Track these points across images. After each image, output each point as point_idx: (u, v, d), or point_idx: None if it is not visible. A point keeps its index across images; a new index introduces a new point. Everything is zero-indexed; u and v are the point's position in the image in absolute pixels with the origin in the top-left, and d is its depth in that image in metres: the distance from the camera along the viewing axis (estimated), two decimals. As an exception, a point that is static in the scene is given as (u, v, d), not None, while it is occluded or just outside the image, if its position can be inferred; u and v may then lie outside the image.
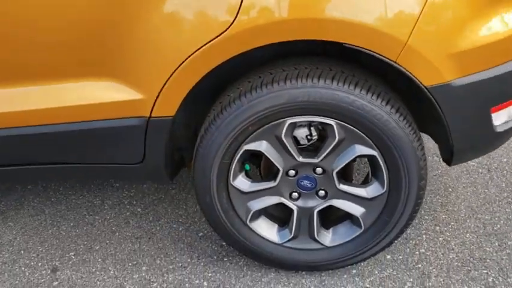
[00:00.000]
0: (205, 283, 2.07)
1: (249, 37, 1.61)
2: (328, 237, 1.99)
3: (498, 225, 2.27)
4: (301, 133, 1.82)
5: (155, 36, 1.64)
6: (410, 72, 1.63)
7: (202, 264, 2.16)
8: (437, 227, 2.28)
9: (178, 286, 2.06)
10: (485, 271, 2.04)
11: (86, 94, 1.75)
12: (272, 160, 1.83)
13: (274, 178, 1.89)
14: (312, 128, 1.82)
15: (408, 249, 2.17)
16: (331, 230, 2.00)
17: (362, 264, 2.09)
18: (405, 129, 1.72)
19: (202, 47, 1.61)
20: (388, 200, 1.87)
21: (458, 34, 1.62)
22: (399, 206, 1.86)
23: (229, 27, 1.59)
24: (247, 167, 1.93)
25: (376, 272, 2.06)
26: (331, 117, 1.72)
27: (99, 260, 2.23)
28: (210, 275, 2.10)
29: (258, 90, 1.71)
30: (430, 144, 2.83)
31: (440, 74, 1.63)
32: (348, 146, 1.79)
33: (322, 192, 1.91)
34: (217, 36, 1.60)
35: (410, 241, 2.21)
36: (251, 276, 2.08)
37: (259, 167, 2.03)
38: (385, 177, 1.82)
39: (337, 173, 1.85)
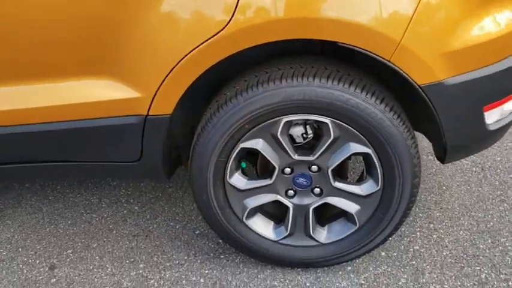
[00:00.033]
0: (202, 280, 2.09)
1: (245, 36, 1.63)
2: (323, 234, 2.02)
3: (491, 223, 2.30)
4: (297, 131, 1.85)
5: (153, 35, 1.66)
6: (403, 71, 1.66)
7: (199, 261, 2.18)
8: (431, 225, 2.31)
9: (175, 283, 2.08)
10: (478, 268, 2.07)
11: (84, 92, 1.77)
12: (268, 158, 1.85)
13: (270, 176, 1.91)
14: (308, 127, 1.85)
15: (402, 246, 2.19)
16: (326, 227, 2.03)
17: (357, 261, 2.12)
18: (399, 127, 1.75)
19: (199, 46, 1.63)
20: (382, 198, 1.89)
21: (451, 34, 1.65)
22: (393, 203, 1.88)
23: (225, 26, 1.61)
24: (243, 164, 1.95)
25: (371, 269, 2.09)
26: (326, 116, 1.74)
27: (97, 257, 2.24)
28: (206, 272, 2.13)
29: (254, 89, 1.73)
30: (424, 143, 2.86)
31: (433, 72, 1.66)
32: (342, 144, 1.81)
33: (317, 190, 1.94)
34: (214, 36, 1.63)
35: (405, 238, 2.23)
36: (247, 273, 2.10)
37: (255, 165, 2.06)
38: (379, 175, 1.84)
39: (332, 170, 1.87)
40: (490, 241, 2.20)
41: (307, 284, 2.03)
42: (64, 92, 1.78)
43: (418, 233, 2.26)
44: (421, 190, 2.52)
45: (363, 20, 1.60)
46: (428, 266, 2.09)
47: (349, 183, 1.94)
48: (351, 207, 1.93)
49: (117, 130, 1.81)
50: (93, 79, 1.76)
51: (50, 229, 2.43)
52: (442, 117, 1.75)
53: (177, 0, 1.64)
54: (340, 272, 2.08)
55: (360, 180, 2.03)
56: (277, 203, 1.97)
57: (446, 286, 1.99)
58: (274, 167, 1.88)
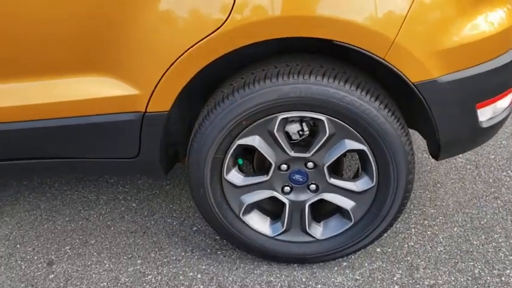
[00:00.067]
0: (199, 275, 2.11)
1: (242, 34, 1.66)
2: (319, 230, 2.04)
3: (485, 220, 2.33)
4: (293, 128, 1.87)
5: (151, 33, 1.68)
6: (398, 69, 1.68)
7: (196, 257, 2.21)
8: (426, 221, 2.34)
9: (173, 278, 2.10)
10: (471, 263, 2.10)
11: (82, 90, 1.79)
12: (265, 154, 1.87)
13: (266, 172, 1.94)
14: (304, 124, 1.87)
15: (397, 243, 2.22)
16: (322, 223, 2.05)
17: (352, 256, 2.15)
18: (393, 124, 1.77)
19: (197, 43, 1.66)
20: (377, 194, 1.92)
21: (445, 32, 1.68)
22: (388, 199, 1.91)
23: (222, 24, 1.64)
24: (240, 161, 1.98)
25: (366, 265, 2.12)
26: (321, 113, 1.77)
27: (95, 253, 2.27)
28: (203, 267, 2.15)
29: (251, 86, 1.75)
30: (420, 141, 2.89)
31: (427, 70, 1.68)
32: (338, 141, 1.84)
33: (313, 186, 1.96)
34: (212, 33, 1.65)
35: (400, 234, 2.26)
36: (244, 269, 2.13)
37: (252, 162, 2.08)
38: (374, 171, 1.87)
39: (327, 167, 1.89)
40: (483, 237, 2.23)
41: (303, 280, 2.06)
42: (63, 89, 1.80)
43: (412, 230, 2.29)
44: (416, 187, 2.55)
45: (358, 19, 1.63)
46: (422, 262, 2.12)
47: (344, 179, 1.96)
48: (346, 203, 1.96)
49: (115, 127, 1.83)
50: (91, 76, 1.78)
51: (48, 226, 2.45)
52: (435, 114, 1.78)
53: None
54: (336, 268, 2.10)
55: (355, 177, 2.05)
56: (273, 199, 2.00)
57: (440, 281, 2.02)
58: (270, 164, 1.90)
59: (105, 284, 2.10)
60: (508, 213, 2.36)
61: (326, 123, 1.79)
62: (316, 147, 1.85)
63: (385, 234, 2.24)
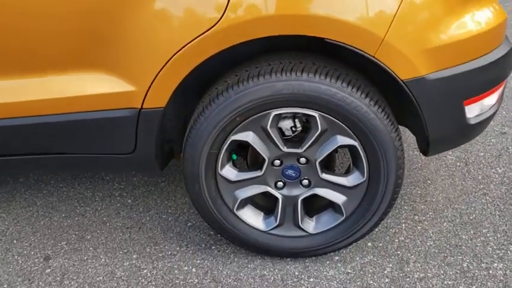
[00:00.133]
0: (193, 269, 2.15)
1: (236, 32, 1.70)
2: (311, 225, 2.08)
3: (474, 215, 2.38)
4: (286, 124, 1.92)
5: (148, 30, 1.72)
6: (387, 67, 1.73)
7: (190, 252, 2.25)
8: (416, 217, 2.39)
9: (168, 272, 2.14)
10: (460, 257, 2.15)
11: (79, 86, 1.83)
12: (258, 150, 1.92)
13: (260, 168, 1.98)
14: (296, 120, 1.92)
15: (388, 237, 2.27)
16: (314, 217, 2.10)
17: (344, 251, 2.19)
18: (383, 120, 1.82)
19: (192, 41, 1.70)
20: (368, 188, 1.97)
21: (433, 31, 1.73)
22: (378, 194, 1.95)
23: (217, 22, 1.68)
24: (234, 156, 2.02)
25: (358, 259, 2.16)
26: (314, 109, 1.81)
27: (91, 248, 2.30)
28: (198, 262, 2.19)
29: (245, 83, 1.80)
30: (411, 139, 2.94)
31: (415, 68, 1.73)
32: (330, 137, 1.88)
33: (305, 181, 2.01)
34: (206, 31, 1.69)
35: (390, 229, 2.31)
36: (238, 263, 2.17)
37: (245, 158, 2.12)
38: (365, 167, 1.92)
39: (319, 162, 1.94)
40: (472, 232, 2.28)
41: (296, 273, 2.10)
42: (60, 86, 1.84)
43: (403, 225, 2.34)
44: (407, 184, 2.60)
45: (349, 17, 1.67)
46: (412, 256, 2.16)
47: (336, 174, 2.01)
48: (338, 198, 2.00)
49: (112, 123, 1.87)
50: (89, 73, 1.82)
51: (44, 222, 2.48)
52: (424, 111, 1.83)
53: None
54: (328, 262, 2.15)
55: (347, 173, 2.10)
56: (266, 194, 2.04)
57: (429, 274, 2.07)
58: (264, 159, 1.95)
59: (101, 278, 2.13)
60: (496, 208, 2.41)
61: (318, 120, 1.83)
62: (309, 143, 1.89)
63: (376, 229, 2.29)
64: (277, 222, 2.07)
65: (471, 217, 2.37)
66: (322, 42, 1.75)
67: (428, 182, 2.63)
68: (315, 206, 2.11)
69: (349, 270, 2.11)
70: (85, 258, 2.24)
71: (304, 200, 2.04)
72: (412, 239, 2.25)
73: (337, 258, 2.17)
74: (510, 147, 2.87)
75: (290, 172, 1.99)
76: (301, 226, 2.06)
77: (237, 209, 2.04)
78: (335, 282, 2.05)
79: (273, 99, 1.79)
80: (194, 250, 2.25)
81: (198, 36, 1.70)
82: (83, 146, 1.96)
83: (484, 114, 1.99)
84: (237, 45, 1.74)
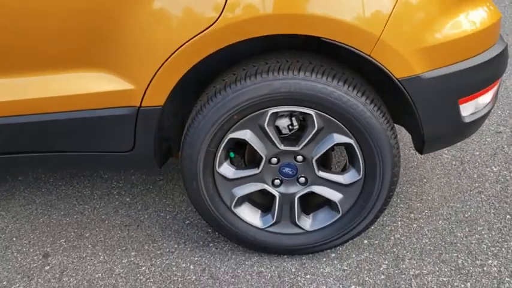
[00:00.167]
0: (191, 266, 2.17)
1: (233, 32, 1.72)
2: (308, 222, 2.11)
3: (469, 213, 2.41)
4: (283, 123, 1.94)
5: (147, 29, 1.74)
6: (383, 65, 1.76)
7: (188, 249, 2.27)
8: (412, 215, 2.41)
9: (166, 269, 2.16)
10: (455, 254, 2.17)
11: (79, 84, 1.85)
12: (256, 148, 1.94)
13: (257, 165, 2.00)
14: (293, 118, 1.94)
15: (384, 235, 2.29)
16: (311, 215, 2.12)
17: (340, 248, 2.21)
18: (379, 118, 1.84)
19: (190, 40, 1.72)
20: (364, 186, 1.99)
21: (428, 30, 1.75)
22: (374, 191, 1.98)
23: (215, 22, 1.70)
24: (232, 154, 2.04)
25: (354, 256, 2.18)
26: (310, 107, 1.84)
27: (89, 246, 2.32)
28: (196, 259, 2.21)
29: (242, 82, 1.82)
30: (407, 138, 2.96)
31: (411, 67, 1.76)
32: (326, 135, 1.90)
33: (302, 179, 2.03)
34: (204, 31, 1.71)
35: (386, 227, 2.33)
36: (235, 260, 2.19)
37: (243, 157, 2.14)
38: (361, 164, 1.94)
39: (316, 160, 1.96)
40: (467, 230, 2.31)
41: (293, 270, 2.12)
42: (60, 84, 1.86)
43: (399, 222, 2.36)
44: (403, 182, 2.62)
45: (345, 17, 1.70)
46: (408, 253, 2.19)
47: (332, 172, 2.03)
48: (335, 195, 2.03)
49: (111, 121, 1.89)
50: (88, 72, 1.84)
51: (43, 219, 2.50)
52: (419, 109, 1.85)
53: None
54: (324, 259, 2.17)
55: (343, 171, 2.12)
56: (264, 192, 2.06)
57: (425, 271, 2.09)
58: (261, 157, 1.97)
59: (99, 275, 2.15)
60: (491, 206, 2.43)
61: (315, 118, 1.85)
62: (305, 141, 1.91)
63: (372, 227, 2.32)
64: (274, 220, 2.09)
65: (466, 215, 2.40)
66: (319, 42, 1.78)
67: (424, 180, 2.65)
68: (311, 203, 2.14)
69: (346, 267, 2.13)
70: (84, 255, 2.26)
71: (301, 198, 2.06)
72: (408, 237, 2.28)
73: (333, 255, 2.19)
74: (505, 146, 2.90)
75: (287, 170, 2.01)
76: (298, 223, 2.09)
77: (235, 206, 2.06)
78: (331, 278, 2.08)
79: (270, 98, 1.81)
80: (192, 247, 2.27)
81: (196, 35, 1.72)
82: (83, 144, 1.98)
83: (479, 112, 2.01)
84: (235, 45, 1.77)
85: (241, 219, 2.09)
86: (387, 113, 1.91)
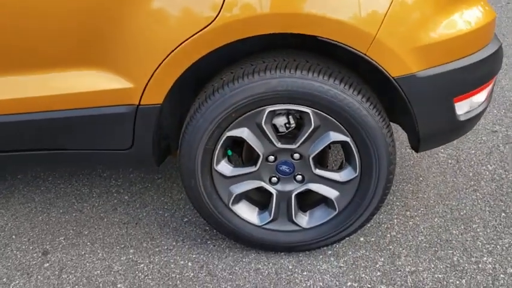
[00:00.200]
0: (189, 263, 2.19)
1: (231, 31, 1.74)
2: (305, 220, 2.13)
3: (464, 211, 2.43)
4: (280, 121, 1.96)
5: (146, 28, 1.76)
6: (378, 64, 1.78)
7: (187, 246, 2.29)
8: (408, 212, 2.43)
9: (164, 266, 2.18)
10: (450, 251, 2.20)
11: (79, 83, 1.87)
12: (253, 146, 1.96)
13: (254, 163, 2.02)
14: (290, 117, 1.96)
15: (380, 232, 2.31)
16: (308, 212, 2.14)
17: (337, 245, 2.24)
18: (375, 117, 1.86)
19: (188, 39, 1.74)
20: (360, 184, 2.01)
21: (423, 29, 1.77)
22: (370, 189, 2.00)
23: (213, 21, 1.72)
24: (229, 152, 2.06)
25: (350, 253, 2.21)
26: (307, 106, 1.86)
27: (88, 243, 2.34)
28: (194, 256, 2.23)
29: (240, 80, 1.84)
30: (403, 137, 2.99)
31: (406, 65, 1.78)
32: (323, 133, 1.93)
33: (299, 177, 2.05)
34: (202, 30, 1.73)
35: (382, 225, 2.36)
36: (233, 257, 2.21)
37: (240, 154, 2.16)
38: (357, 162, 1.96)
39: (313, 158, 1.98)
40: (462, 227, 2.33)
41: (290, 267, 2.15)
42: (60, 83, 1.88)
43: (395, 220, 2.39)
44: (399, 180, 2.65)
45: (341, 16, 1.72)
46: (404, 250, 2.21)
47: (329, 170, 2.05)
48: (331, 193, 2.05)
49: (110, 119, 1.91)
50: (87, 70, 1.86)
51: (42, 217, 2.52)
52: (415, 108, 1.88)
53: None
54: (321, 256, 2.19)
55: (339, 168, 2.14)
56: (261, 189, 2.08)
57: (420, 268, 2.11)
58: (258, 155, 1.99)
59: (98, 272, 2.17)
60: (486, 204, 2.46)
61: (311, 116, 1.88)
62: (302, 139, 1.94)
63: (369, 225, 2.34)
64: (272, 217, 2.11)
65: (462, 213, 2.42)
66: (316, 41, 1.80)
67: (420, 179, 2.67)
68: (308, 201, 2.16)
69: (342, 264, 2.15)
70: (83, 253, 2.28)
71: (298, 195, 2.08)
72: (404, 234, 2.30)
73: (330, 252, 2.21)
74: (501, 145, 2.92)
75: (284, 168, 2.03)
76: (295, 221, 2.11)
77: (232, 203, 2.08)
78: (328, 275, 2.10)
79: (268, 96, 1.83)
80: (190, 245, 2.29)
81: (194, 34, 1.74)
82: (82, 141, 2.00)
83: (474, 111, 2.03)
84: (233, 44, 1.79)
85: (238, 216, 2.11)
86: (383, 111, 1.93)
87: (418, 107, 1.88)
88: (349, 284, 2.06)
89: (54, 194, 2.69)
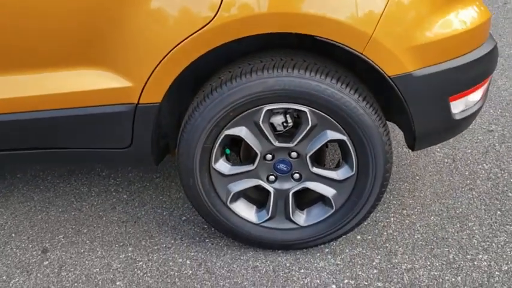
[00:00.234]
0: (188, 261, 2.21)
1: (229, 30, 1.76)
2: (302, 218, 2.15)
3: (460, 209, 2.45)
4: (278, 120, 1.98)
5: (145, 28, 1.78)
6: (375, 63, 1.80)
7: (185, 244, 2.30)
8: (404, 211, 2.45)
9: (163, 264, 2.20)
10: (446, 249, 2.22)
11: (78, 82, 1.88)
12: (251, 145, 1.98)
13: (252, 162, 2.04)
14: (288, 116, 1.98)
15: (377, 230, 2.33)
16: (305, 210, 2.16)
17: (334, 243, 2.26)
18: (372, 115, 1.88)
19: (186, 38, 1.76)
20: (356, 182, 2.03)
21: (419, 29, 1.80)
22: (367, 187, 2.02)
23: (211, 21, 1.74)
24: (227, 151, 2.08)
25: (347, 251, 2.23)
26: (304, 105, 1.88)
27: (87, 242, 2.35)
28: (192, 254, 2.25)
29: (238, 79, 1.86)
30: (400, 136, 3.01)
31: (402, 64, 1.80)
32: (320, 132, 1.95)
33: (297, 175, 2.07)
34: (200, 29, 1.75)
35: (379, 223, 2.38)
36: (231, 255, 2.23)
37: (238, 153, 2.18)
38: (354, 160, 1.98)
39: (310, 156, 2.00)
40: (458, 225, 2.35)
41: (287, 265, 2.17)
42: (59, 82, 1.90)
43: (391, 218, 2.41)
44: (396, 179, 2.67)
45: (338, 16, 1.74)
46: (400, 248, 2.23)
47: (326, 168, 2.07)
48: (328, 191, 2.07)
49: (109, 118, 1.93)
50: (86, 69, 1.88)
51: (41, 216, 2.54)
52: (410, 106, 1.90)
53: None
54: (318, 254, 2.21)
55: (336, 167, 2.16)
56: (259, 188, 2.10)
57: (416, 265, 2.13)
58: (256, 154, 2.01)
59: (97, 269, 2.19)
60: (482, 203, 2.48)
61: (309, 115, 1.90)
62: (300, 138, 1.96)
63: (366, 223, 2.36)
64: (269, 215, 2.13)
65: (458, 211, 2.44)
66: (314, 40, 1.82)
67: (417, 177, 2.70)
68: (305, 199, 2.18)
69: (339, 262, 2.17)
70: (82, 251, 2.30)
71: (296, 194, 2.10)
72: (400, 232, 2.32)
73: (327, 250, 2.23)
74: (497, 144, 2.94)
75: (282, 166, 2.05)
76: (293, 219, 2.13)
77: (230, 202, 2.10)
78: (325, 273, 2.12)
79: (265, 95, 1.85)
80: (188, 243, 2.31)
81: (193, 34, 1.76)
82: (81, 140, 2.02)
83: (469, 110, 2.06)
84: (231, 43, 1.81)
85: (236, 214, 2.13)
86: (379, 110, 1.95)
87: (413, 106, 1.90)
88: (346, 281, 2.08)
89: (53, 193, 2.71)
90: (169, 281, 2.11)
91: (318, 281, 2.08)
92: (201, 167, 2.01)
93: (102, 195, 2.68)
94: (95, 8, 1.77)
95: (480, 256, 2.17)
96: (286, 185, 2.09)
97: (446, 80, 1.89)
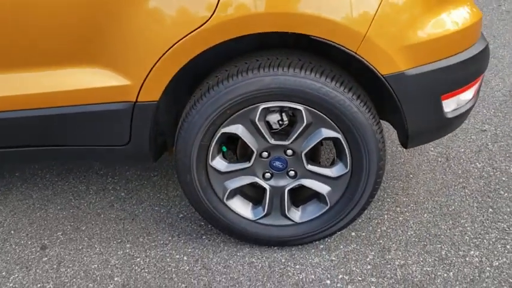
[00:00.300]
0: (185, 257, 2.24)
1: (225, 29, 1.80)
2: (297, 214, 2.18)
3: (453, 207, 2.50)
4: (274, 118, 2.02)
5: (143, 26, 1.81)
6: (368, 62, 1.84)
7: (182, 241, 2.34)
8: (398, 208, 2.49)
9: (160, 260, 2.23)
10: (439, 245, 2.26)
11: (77, 80, 1.92)
12: (247, 142, 2.01)
13: (248, 159, 2.08)
14: (283, 114, 2.02)
15: (371, 227, 2.37)
16: (300, 207, 2.20)
17: (329, 240, 2.29)
18: (365, 114, 1.92)
19: (184, 37, 1.80)
20: (351, 179, 2.07)
21: (411, 28, 1.84)
22: (361, 184, 2.06)
23: (207, 20, 1.78)
24: (224, 148, 2.12)
25: (342, 247, 2.26)
26: (299, 103, 1.92)
27: (86, 238, 2.39)
28: (189, 250, 2.28)
29: (234, 78, 1.90)
30: (394, 135, 3.05)
31: (395, 63, 1.84)
32: (315, 130, 1.98)
33: (292, 173, 2.11)
34: (197, 29, 1.79)
35: (373, 220, 2.42)
36: (227, 251, 2.26)
37: (235, 151, 2.22)
38: (348, 158, 2.02)
39: (305, 154, 2.04)
40: (451, 222, 2.39)
41: (283, 261, 2.20)
42: (57, 79, 1.93)
43: (385, 216, 2.45)
44: (390, 178, 2.71)
45: (333, 16, 1.78)
46: (394, 245, 2.27)
47: (321, 166, 2.11)
48: (323, 188, 2.10)
49: (108, 115, 1.96)
50: (85, 67, 1.91)
51: (40, 214, 2.57)
52: (403, 105, 1.94)
53: None
54: (313, 250, 2.25)
55: (331, 164, 2.20)
56: (255, 185, 2.14)
57: (409, 261, 2.17)
58: (252, 151, 2.04)
59: (96, 265, 2.22)
60: (475, 200, 2.52)
61: (304, 113, 1.93)
62: (295, 136, 1.99)
63: (360, 220, 2.40)
64: (265, 212, 2.16)
65: (450, 209, 2.48)
66: (310, 40, 1.86)
67: (411, 176, 2.74)
68: (300, 196, 2.22)
69: (334, 258, 2.21)
70: (80, 247, 2.33)
71: (291, 191, 2.14)
72: (394, 229, 2.36)
73: (322, 246, 2.27)
74: (489, 143, 2.99)
75: (277, 163, 2.09)
76: (288, 215, 2.16)
77: (227, 199, 2.14)
78: (320, 269, 2.16)
79: (261, 93, 1.89)
80: (185, 240, 2.35)
81: (190, 33, 1.80)
82: (80, 138, 2.05)
83: (461, 108, 2.10)
84: (228, 42, 1.84)
85: (233, 211, 2.16)
86: (373, 108, 1.99)
87: (406, 105, 1.94)
88: (340, 276, 2.12)
89: (51, 191, 2.74)
90: (166, 276, 2.15)
91: (313, 277, 2.12)
92: (198, 165, 2.05)
93: (100, 193, 2.71)
94: (95, 5, 1.80)
95: (472, 252, 2.21)
96: (281, 182, 2.12)
97: (438, 79, 1.93)
